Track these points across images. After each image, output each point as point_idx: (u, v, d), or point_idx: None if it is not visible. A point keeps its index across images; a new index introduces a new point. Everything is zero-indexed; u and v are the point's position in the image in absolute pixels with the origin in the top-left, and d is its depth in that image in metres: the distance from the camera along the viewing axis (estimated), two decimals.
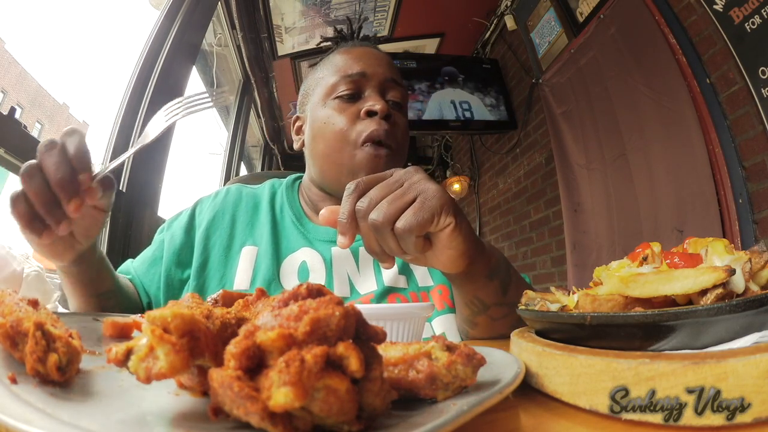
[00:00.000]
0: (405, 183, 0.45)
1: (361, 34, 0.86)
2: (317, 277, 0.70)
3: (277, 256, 0.71)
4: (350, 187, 0.46)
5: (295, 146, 0.82)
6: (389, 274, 0.72)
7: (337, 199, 0.75)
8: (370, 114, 0.70)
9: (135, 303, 0.69)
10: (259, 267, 0.70)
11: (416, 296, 0.72)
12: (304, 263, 0.71)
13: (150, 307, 0.70)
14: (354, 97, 0.73)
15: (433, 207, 0.44)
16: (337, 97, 0.72)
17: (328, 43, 0.86)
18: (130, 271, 0.74)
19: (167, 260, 0.72)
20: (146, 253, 0.76)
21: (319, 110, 0.74)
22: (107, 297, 0.62)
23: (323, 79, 0.75)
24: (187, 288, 0.71)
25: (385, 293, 0.70)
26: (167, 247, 0.73)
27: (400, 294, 0.71)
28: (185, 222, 0.76)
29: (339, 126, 0.70)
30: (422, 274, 0.74)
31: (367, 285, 0.71)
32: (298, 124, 0.82)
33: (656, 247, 0.33)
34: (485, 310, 0.57)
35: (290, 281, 0.70)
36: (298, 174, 0.86)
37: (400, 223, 0.43)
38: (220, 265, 0.71)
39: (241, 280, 0.69)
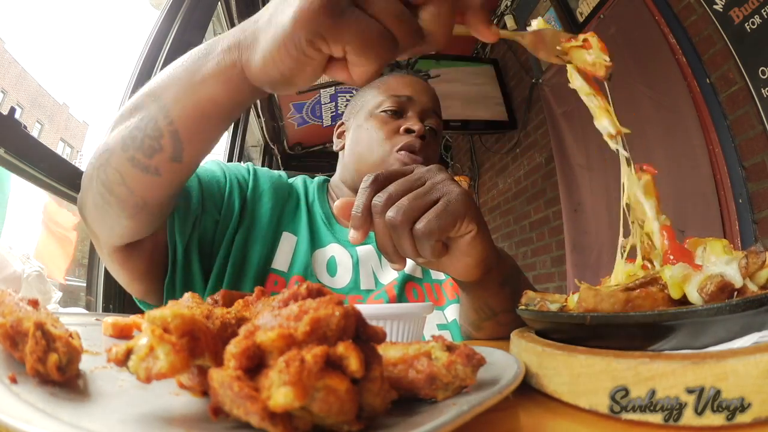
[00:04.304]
0: (428, 182, 0.42)
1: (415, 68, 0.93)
2: (345, 271, 0.73)
3: (312, 247, 0.73)
4: (367, 179, 0.42)
5: (335, 148, 0.88)
6: (408, 263, 0.74)
7: None
8: (409, 131, 0.76)
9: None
10: (298, 254, 0.71)
11: (430, 287, 0.75)
12: (333, 258, 0.74)
13: (195, 222, 0.62)
14: (397, 114, 0.80)
15: (456, 211, 0.41)
16: (383, 111, 0.79)
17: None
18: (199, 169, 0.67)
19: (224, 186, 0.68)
20: (206, 168, 0.71)
21: (364, 120, 0.81)
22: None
23: (374, 95, 0.82)
24: (231, 252, 0.66)
25: (406, 281, 0.73)
26: (224, 176, 0.70)
27: (417, 284, 0.75)
28: (242, 172, 0.74)
29: (380, 135, 0.77)
30: (435, 270, 0.76)
31: (390, 275, 0.74)
32: (341, 129, 0.88)
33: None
34: (494, 316, 0.57)
35: (321, 274, 0.72)
36: (326, 176, 0.90)
37: (420, 225, 0.40)
38: (265, 239, 0.69)
39: (280, 262, 0.70)
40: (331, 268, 0.73)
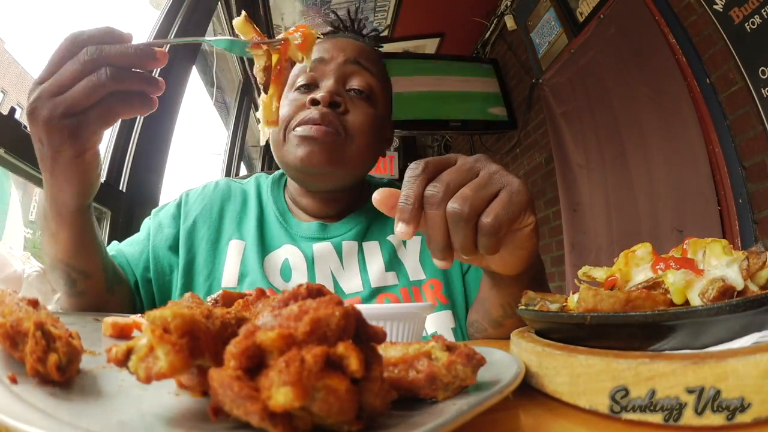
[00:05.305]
0: (482, 172, 0.39)
1: (364, 30, 0.81)
2: (299, 276, 0.67)
3: (262, 252, 0.69)
4: (416, 168, 0.39)
5: None
6: (376, 273, 0.68)
7: (313, 194, 0.73)
8: (314, 103, 0.65)
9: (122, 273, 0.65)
10: (246, 262, 0.68)
11: (407, 292, 0.68)
12: (286, 261, 0.69)
13: (137, 288, 0.67)
14: (310, 87, 0.69)
15: (521, 202, 0.39)
16: (296, 89, 0.70)
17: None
18: (116, 252, 0.70)
19: (156, 242, 0.70)
20: (134, 238, 0.73)
21: (281, 104, 0.73)
22: (107, 255, 0.59)
23: (292, 73, 0.71)
24: (176, 284, 0.68)
25: (373, 294, 0.67)
26: (155, 232, 0.71)
27: (390, 293, 0.68)
28: (173, 211, 0.73)
29: (284, 116, 0.66)
30: (413, 267, 0.70)
31: (353, 284, 0.68)
32: None
33: (645, 248, 0.33)
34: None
35: (275, 279, 0.67)
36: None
37: (488, 218, 0.36)
38: (207, 260, 0.68)
39: (229, 276, 0.66)
40: (285, 272, 0.68)
